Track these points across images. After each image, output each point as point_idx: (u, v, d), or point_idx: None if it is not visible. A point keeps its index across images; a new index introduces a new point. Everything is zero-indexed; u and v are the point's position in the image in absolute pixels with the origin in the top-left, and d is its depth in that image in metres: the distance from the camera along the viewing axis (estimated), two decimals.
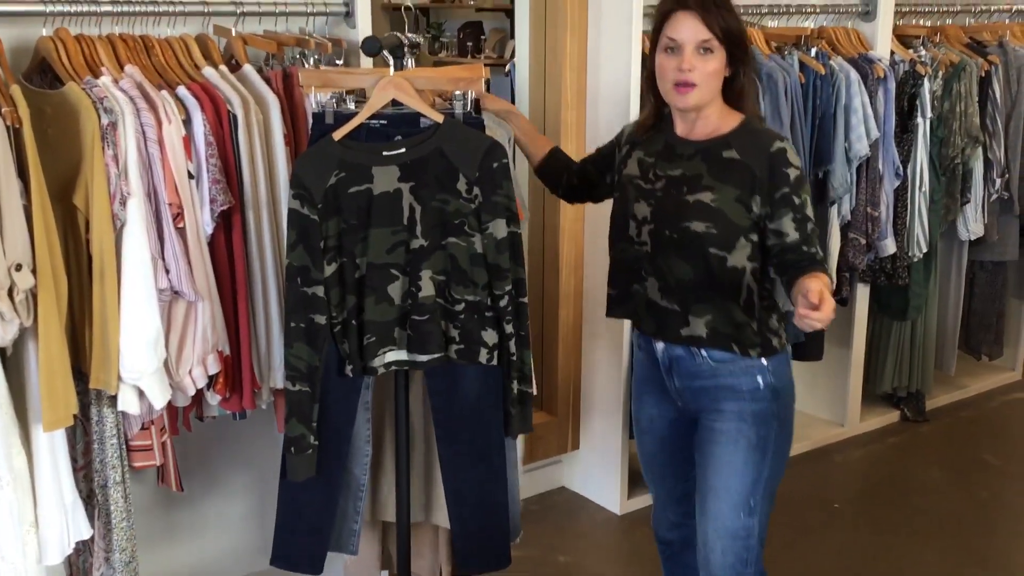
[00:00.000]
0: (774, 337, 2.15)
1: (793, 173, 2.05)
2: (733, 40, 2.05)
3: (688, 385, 2.20)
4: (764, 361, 2.13)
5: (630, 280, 2.22)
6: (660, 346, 2.21)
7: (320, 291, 2.15)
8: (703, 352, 2.14)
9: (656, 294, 2.16)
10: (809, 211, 2.07)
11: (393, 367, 2.23)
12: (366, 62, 2.65)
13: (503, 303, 2.20)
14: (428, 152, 2.15)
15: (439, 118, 2.16)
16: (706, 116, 2.12)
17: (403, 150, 2.15)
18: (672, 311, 2.15)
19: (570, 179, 2.46)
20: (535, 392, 2.38)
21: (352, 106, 2.25)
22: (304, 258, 2.14)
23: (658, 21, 2.09)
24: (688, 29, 2.03)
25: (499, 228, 2.17)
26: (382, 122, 2.19)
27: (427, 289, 2.17)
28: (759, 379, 2.13)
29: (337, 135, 2.15)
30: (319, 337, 2.17)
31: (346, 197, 2.14)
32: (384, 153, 2.15)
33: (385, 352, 2.20)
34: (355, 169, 2.14)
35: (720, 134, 2.11)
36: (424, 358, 2.21)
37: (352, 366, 2.21)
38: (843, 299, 3.73)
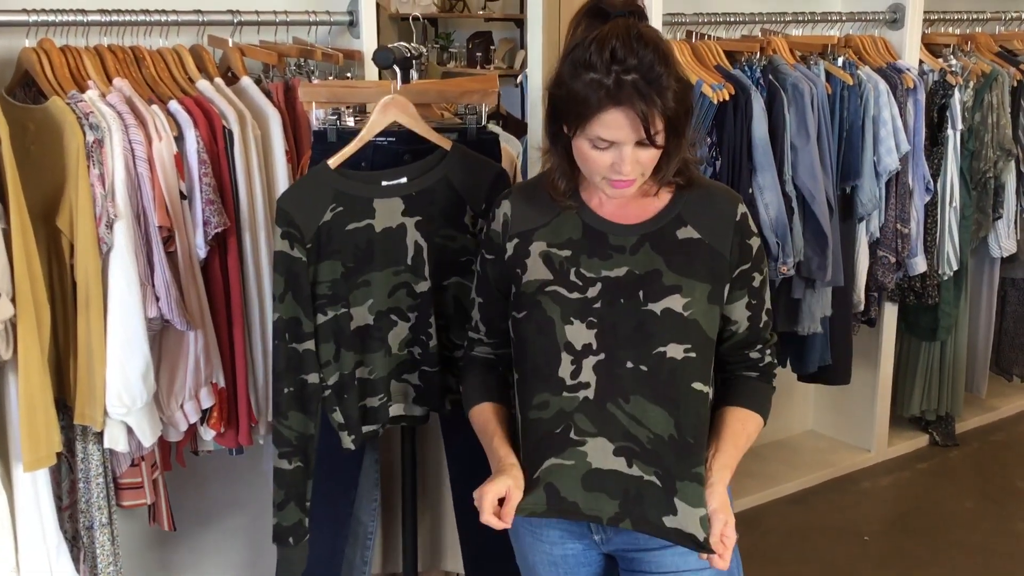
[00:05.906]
0: None
1: (756, 244, 1.62)
2: (678, 121, 1.51)
3: None
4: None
5: (551, 450, 1.56)
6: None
7: (311, 346, 1.94)
8: None
9: (611, 460, 1.53)
10: (767, 294, 1.64)
11: (400, 423, 2.07)
12: (370, 74, 2.52)
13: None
14: (434, 182, 1.94)
15: (447, 144, 1.96)
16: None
17: (404, 180, 1.93)
18: (649, 485, 1.53)
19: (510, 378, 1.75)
20: None
21: (351, 122, 2.09)
22: (294, 309, 1.92)
23: (576, 109, 1.49)
24: (624, 129, 1.48)
25: None
26: (390, 139, 2.02)
27: (435, 337, 1.97)
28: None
29: (333, 162, 1.93)
30: (312, 400, 1.96)
31: (342, 236, 1.92)
32: (384, 183, 1.93)
33: (389, 407, 2.03)
34: (354, 202, 1.92)
35: (663, 206, 1.60)
36: (420, 411, 2.04)
37: (353, 436, 2.01)
38: (871, 319, 3.57)
